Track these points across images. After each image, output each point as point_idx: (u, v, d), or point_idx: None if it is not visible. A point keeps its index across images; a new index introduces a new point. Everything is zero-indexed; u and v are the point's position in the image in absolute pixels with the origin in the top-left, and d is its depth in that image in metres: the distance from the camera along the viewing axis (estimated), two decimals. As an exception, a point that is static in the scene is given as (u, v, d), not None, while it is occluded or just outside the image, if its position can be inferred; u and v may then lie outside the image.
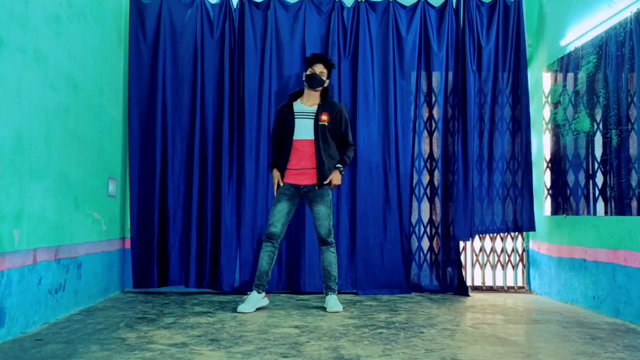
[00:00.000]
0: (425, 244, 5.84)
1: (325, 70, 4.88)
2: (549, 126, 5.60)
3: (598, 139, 4.74)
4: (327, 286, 4.83)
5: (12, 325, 3.45)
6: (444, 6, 5.87)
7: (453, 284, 5.69)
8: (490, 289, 5.93)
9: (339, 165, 4.85)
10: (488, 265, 5.94)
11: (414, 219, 5.82)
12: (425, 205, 5.88)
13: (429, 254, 5.83)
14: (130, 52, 5.62)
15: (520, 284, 5.99)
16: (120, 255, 5.50)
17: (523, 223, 5.70)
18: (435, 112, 5.88)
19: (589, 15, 4.86)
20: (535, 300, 5.39)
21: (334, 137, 4.90)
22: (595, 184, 4.78)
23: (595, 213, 4.77)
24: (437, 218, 5.84)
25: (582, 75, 4.96)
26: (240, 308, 4.55)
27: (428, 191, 5.88)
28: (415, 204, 5.85)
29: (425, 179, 5.88)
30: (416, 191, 5.84)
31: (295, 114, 4.85)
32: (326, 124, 4.82)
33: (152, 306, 4.75)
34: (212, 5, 5.76)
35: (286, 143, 4.85)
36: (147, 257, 5.50)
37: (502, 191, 5.76)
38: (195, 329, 3.79)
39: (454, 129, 5.77)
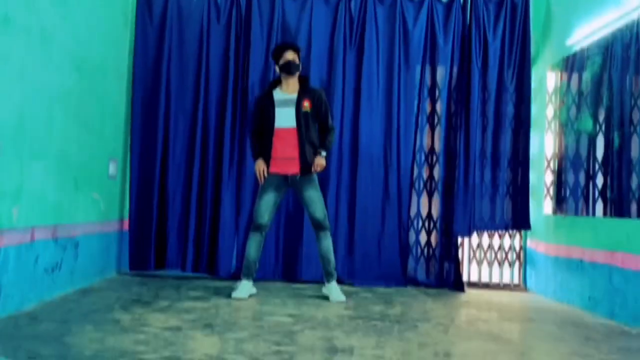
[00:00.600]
0: (423, 238, 5.84)
1: (296, 55, 4.81)
2: (552, 125, 5.59)
3: (600, 140, 4.73)
4: (328, 273, 4.79)
5: (7, 302, 3.46)
6: (451, 1, 5.84)
7: (449, 279, 5.68)
8: (487, 286, 5.93)
9: (320, 149, 4.79)
10: (485, 261, 5.94)
11: (412, 213, 5.81)
12: (425, 199, 5.87)
13: (426, 248, 5.82)
14: (136, 33, 5.61)
15: (516, 281, 5.99)
16: (118, 237, 5.51)
17: (517, 221, 5.69)
18: (438, 106, 5.87)
19: (596, 16, 4.84)
20: (531, 298, 5.40)
21: (315, 123, 4.85)
22: (595, 185, 4.78)
23: (594, 214, 4.77)
24: (436, 213, 5.84)
25: (587, 75, 4.94)
26: (235, 294, 4.57)
27: (428, 185, 5.87)
28: (414, 197, 5.83)
29: (426, 173, 5.87)
30: (416, 185, 5.83)
31: (275, 102, 4.79)
32: (308, 110, 4.76)
33: (147, 289, 4.75)
34: (219, -10, 5.76)
35: (267, 132, 4.77)
36: (145, 239, 5.50)
37: (501, 189, 5.74)
38: (189, 314, 3.80)
39: (457, 124, 5.76)
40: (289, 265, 5.67)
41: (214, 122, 5.64)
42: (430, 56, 5.85)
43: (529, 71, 5.73)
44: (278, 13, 5.71)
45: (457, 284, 5.61)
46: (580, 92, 5.07)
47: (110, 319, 3.50)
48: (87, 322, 3.39)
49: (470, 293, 5.50)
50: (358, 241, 5.60)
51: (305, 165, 4.72)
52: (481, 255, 5.93)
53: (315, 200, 4.78)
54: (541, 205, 5.65)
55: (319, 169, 4.77)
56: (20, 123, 3.55)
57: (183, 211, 5.62)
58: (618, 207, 4.39)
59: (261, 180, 4.77)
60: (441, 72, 5.87)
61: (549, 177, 5.57)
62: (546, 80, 5.71)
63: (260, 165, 4.77)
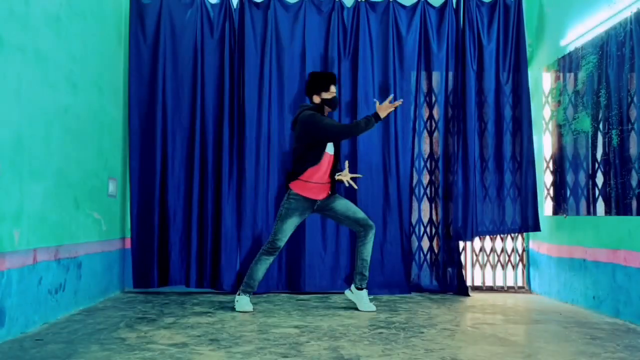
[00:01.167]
0: (425, 244, 5.84)
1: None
2: (549, 126, 5.60)
3: (598, 139, 4.74)
4: (362, 275, 4.79)
5: (12, 325, 3.45)
6: (444, 6, 5.86)
7: (453, 284, 5.69)
8: (490, 289, 5.93)
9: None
10: (488, 265, 5.94)
11: (413, 219, 5.82)
12: (425, 205, 5.88)
13: (429, 254, 5.82)
14: (130, 52, 5.62)
15: (520, 284, 5.99)
16: (120, 255, 5.50)
17: (527, 223, 5.66)
18: (435, 112, 5.88)
19: (589, 15, 4.86)
20: (535, 300, 5.39)
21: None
22: (595, 184, 4.78)
23: (595, 213, 4.77)
24: (437, 218, 5.84)
25: (582, 75, 4.96)
26: (241, 308, 4.58)
27: (428, 191, 5.88)
28: (415, 204, 5.85)
29: (425, 178, 5.88)
30: (416, 191, 5.84)
31: None
32: None
33: (152, 306, 4.75)
34: (212, 5, 5.76)
35: (316, 153, 4.70)
36: (148, 256, 5.49)
37: (502, 191, 5.74)
38: (195, 329, 3.79)
39: (454, 129, 5.77)
40: (292, 276, 5.67)
41: (211, 137, 5.64)
42: (425, 62, 5.87)
43: (526, 72, 5.74)
44: (271, 25, 5.72)
45: (461, 289, 5.61)
46: (576, 92, 5.08)
47: (116, 338, 3.49)
48: (92, 342, 3.39)
49: (474, 297, 5.50)
50: (360, 249, 5.59)
51: (334, 187, 4.82)
52: (484, 258, 5.92)
53: (349, 205, 4.83)
54: (542, 206, 5.64)
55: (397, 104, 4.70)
56: (19, 143, 3.55)
57: (184, 227, 5.62)
58: (619, 205, 4.39)
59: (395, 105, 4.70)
60: (436, 77, 5.88)
61: (549, 178, 5.58)
62: (542, 81, 5.72)
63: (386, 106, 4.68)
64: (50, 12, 4.03)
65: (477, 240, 5.87)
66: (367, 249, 4.80)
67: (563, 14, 5.35)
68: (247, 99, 5.64)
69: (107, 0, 5.26)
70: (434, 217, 5.85)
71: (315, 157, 4.68)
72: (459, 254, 5.69)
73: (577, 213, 5.03)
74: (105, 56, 5.17)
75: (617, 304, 4.36)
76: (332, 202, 4.79)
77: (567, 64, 5.25)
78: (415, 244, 5.82)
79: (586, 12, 4.92)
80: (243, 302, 4.63)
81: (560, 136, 5.34)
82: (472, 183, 5.63)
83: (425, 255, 5.82)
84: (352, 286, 4.84)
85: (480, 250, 5.94)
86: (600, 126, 4.70)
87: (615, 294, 4.40)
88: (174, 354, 3.09)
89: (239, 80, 5.70)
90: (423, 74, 5.89)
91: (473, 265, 5.94)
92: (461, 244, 5.78)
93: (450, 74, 5.83)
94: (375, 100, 4.94)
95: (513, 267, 5.99)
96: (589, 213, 4.86)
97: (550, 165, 5.55)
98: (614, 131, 4.45)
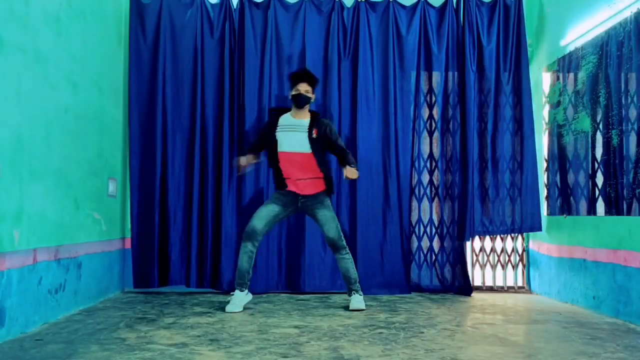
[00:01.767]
0: (425, 244, 5.84)
1: (310, 88, 4.89)
2: (549, 126, 5.60)
3: (598, 139, 4.74)
4: (349, 289, 4.84)
5: (12, 325, 3.45)
6: (444, 6, 5.86)
7: (454, 284, 5.70)
8: (490, 289, 5.93)
9: (350, 163, 4.84)
10: (488, 265, 5.94)
11: (413, 219, 5.82)
12: (425, 205, 5.88)
13: (429, 254, 5.82)
14: (130, 52, 5.62)
15: (520, 284, 5.99)
16: (120, 255, 5.50)
17: (528, 223, 5.66)
18: (435, 112, 5.88)
19: (589, 16, 4.86)
20: (535, 300, 5.39)
21: (324, 150, 4.93)
22: (595, 184, 4.78)
23: (595, 213, 4.77)
24: (437, 218, 5.84)
25: (582, 75, 4.96)
26: (229, 309, 4.56)
27: (428, 191, 5.88)
28: (415, 203, 5.85)
29: (425, 179, 5.88)
30: (416, 191, 5.84)
31: (286, 126, 4.89)
32: (315, 137, 4.82)
33: (152, 306, 4.75)
34: (212, 5, 5.76)
35: (271, 154, 4.92)
36: (148, 256, 5.49)
37: (502, 191, 5.73)
38: (195, 329, 3.79)
39: (454, 129, 5.77)
40: (292, 276, 5.67)
41: (211, 137, 5.64)
42: (425, 62, 5.87)
43: (526, 72, 5.73)
44: (271, 25, 5.72)
45: (463, 289, 5.61)
46: (576, 92, 5.08)
47: (116, 338, 3.49)
48: (92, 342, 3.39)
49: (474, 297, 5.50)
50: (360, 249, 5.59)
51: (330, 186, 4.85)
52: (484, 258, 5.92)
53: (329, 219, 4.82)
54: (542, 206, 5.64)
55: (355, 176, 4.81)
56: (19, 143, 3.55)
57: (185, 227, 5.62)
58: (619, 205, 4.39)
59: (239, 169, 5.03)
60: (437, 77, 5.88)
61: (549, 178, 5.58)
62: (542, 81, 5.72)
63: (242, 160, 4.97)
64: (50, 12, 4.03)
65: (477, 240, 5.88)
66: (342, 267, 4.85)
67: (563, 14, 5.35)
68: (247, 99, 5.64)
69: (107, 0, 5.26)
70: (434, 217, 5.85)
71: (272, 158, 4.92)
72: (459, 253, 5.69)
73: (577, 213, 5.03)
74: (105, 56, 5.17)
75: (617, 304, 4.36)
76: (317, 208, 4.83)
77: (567, 64, 5.25)
78: (415, 244, 5.83)
79: (586, 12, 4.92)
80: (233, 300, 4.63)
81: (560, 136, 5.34)
82: (472, 183, 5.63)
83: (425, 255, 5.82)
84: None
85: (480, 250, 5.94)
86: (600, 126, 4.70)
87: (615, 294, 4.40)
88: (174, 354, 3.09)
89: (239, 81, 5.70)
90: (423, 74, 5.88)
91: (473, 265, 5.94)
92: (462, 244, 5.77)
93: (450, 74, 5.83)
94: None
95: (513, 267, 5.99)
96: (589, 213, 4.86)
97: (550, 165, 5.54)
98: (614, 131, 4.45)
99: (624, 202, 4.31)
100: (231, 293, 4.79)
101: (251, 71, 5.68)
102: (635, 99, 4.19)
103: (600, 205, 4.70)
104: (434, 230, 5.84)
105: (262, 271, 5.51)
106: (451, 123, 5.80)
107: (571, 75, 5.19)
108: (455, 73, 5.82)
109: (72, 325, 3.86)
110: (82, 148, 4.59)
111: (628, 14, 4.28)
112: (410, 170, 5.76)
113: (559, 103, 5.38)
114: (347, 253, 4.86)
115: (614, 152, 4.45)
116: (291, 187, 4.82)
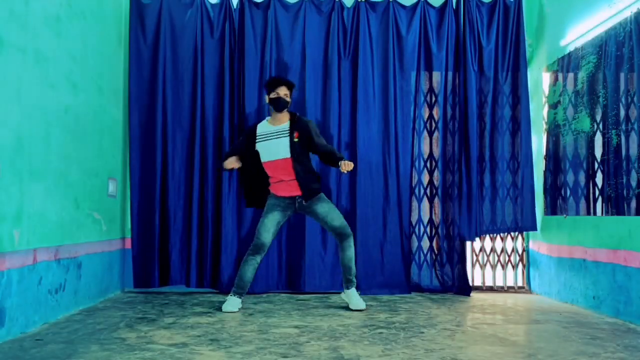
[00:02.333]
0: (425, 244, 5.84)
1: (288, 92, 4.86)
2: (549, 126, 5.60)
3: (598, 139, 4.74)
4: (349, 280, 4.81)
5: (12, 325, 3.45)
6: (444, 6, 5.86)
7: (454, 284, 5.70)
8: (490, 289, 5.93)
9: (341, 157, 4.77)
10: (488, 265, 5.94)
11: (413, 219, 5.82)
12: (425, 205, 5.88)
13: (429, 254, 5.82)
14: (130, 52, 5.62)
15: (520, 284, 5.99)
16: (120, 255, 5.50)
17: (524, 223, 5.69)
18: (435, 112, 5.89)
19: (588, 16, 4.86)
20: (535, 300, 5.39)
21: (306, 151, 4.86)
22: (595, 184, 4.78)
23: (595, 213, 4.77)
24: (437, 218, 5.84)
25: (582, 75, 4.96)
26: (226, 308, 4.57)
27: (428, 191, 5.88)
28: (415, 203, 5.85)
29: (425, 178, 5.88)
30: (416, 191, 5.84)
31: (266, 134, 4.84)
32: (297, 140, 4.77)
33: (152, 306, 4.75)
34: (212, 5, 5.76)
35: (257, 166, 4.88)
36: (148, 256, 5.50)
37: (502, 191, 5.74)
38: (195, 329, 3.79)
39: (454, 129, 5.77)
40: (292, 276, 5.67)
41: (211, 137, 5.64)
42: (425, 62, 5.87)
43: (526, 73, 5.75)
44: (271, 25, 5.72)
45: (462, 289, 5.61)
46: (576, 92, 5.08)
47: (116, 338, 3.49)
48: (92, 342, 3.39)
49: (474, 297, 5.50)
50: (360, 249, 5.58)
51: (309, 191, 4.76)
52: (484, 258, 5.92)
53: (329, 211, 4.81)
54: (541, 206, 5.65)
55: (350, 168, 4.70)
56: (19, 144, 3.55)
57: (185, 227, 5.62)
58: (619, 205, 4.39)
59: (226, 167, 4.97)
60: (436, 77, 5.89)
61: (549, 178, 5.57)
62: (542, 81, 5.72)
63: (227, 164, 4.94)
64: (50, 12, 4.03)
65: (477, 240, 5.87)
66: (347, 256, 4.81)
67: (563, 14, 5.35)
68: (247, 99, 5.64)
69: (107, 0, 5.26)
70: (434, 217, 5.85)
71: (255, 169, 4.92)
72: (459, 253, 5.68)
73: (577, 213, 5.03)
74: (105, 56, 5.17)
75: (617, 304, 4.36)
76: (314, 204, 4.80)
77: (567, 64, 5.25)
78: (415, 244, 5.83)
79: (586, 12, 4.92)
80: (231, 302, 4.63)
81: (560, 136, 5.34)
82: (472, 183, 5.63)
83: (425, 255, 5.82)
84: (344, 288, 4.88)
85: (480, 250, 5.94)
86: (600, 126, 4.70)
87: (615, 294, 4.40)
88: (174, 354, 3.09)
89: (239, 81, 5.70)
90: (423, 73, 5.89)
91: (473, 265, 5.94)
92: (462, 243, 5.76)
93: (450, 74, 5.83)
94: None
95: (513, 267, 5.99)
96: (589, 213, 4.86)
97: (550, 165, 5.54)
98: (614, 131, 4.45)
99: (624, 202, 4.31)
100: (230, 295, 4.78)
101: (251, 71, 5.68)
102: (635, 99, 4.19)
103: (600, 205, 4.70)
104: (434, 230, 5.84)
105: (262, 271, 5.50)
106: (451, 123, 5.80)
107: (571, 75, 5.19)
108: (455, 73, 5.82)
109: (72, 325, 3.86)
110: (82, 148, 4.59)
111: (628, 14, 4.28)
112: (410, 170, 5.76)
113: (558, 103, 5.38)
114: (352, 241, 4.86)
115: (614, 152, 4.45)
116: (285, 192, 4.79)
